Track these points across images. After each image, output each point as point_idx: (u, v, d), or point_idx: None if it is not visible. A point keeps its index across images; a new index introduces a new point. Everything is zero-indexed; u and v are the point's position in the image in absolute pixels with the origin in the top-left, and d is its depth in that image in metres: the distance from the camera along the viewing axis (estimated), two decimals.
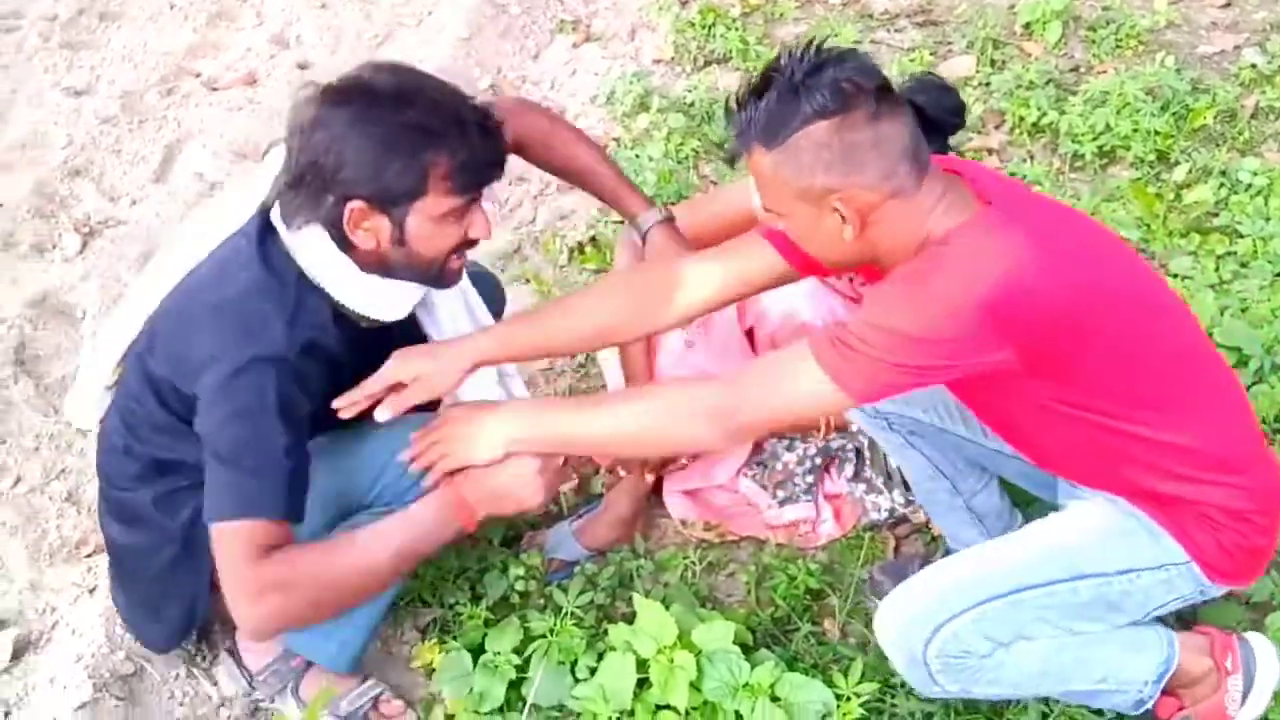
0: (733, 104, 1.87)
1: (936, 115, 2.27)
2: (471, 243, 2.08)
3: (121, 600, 2.38)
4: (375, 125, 1.91)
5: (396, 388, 2.12)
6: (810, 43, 1.80)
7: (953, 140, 3.29)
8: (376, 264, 2.05)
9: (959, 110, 2.31)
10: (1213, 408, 1.97)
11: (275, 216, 2.06)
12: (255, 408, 1.94)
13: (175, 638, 2.36)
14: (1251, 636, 2.23)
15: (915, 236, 1.83)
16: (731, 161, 2.00)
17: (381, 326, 2.16)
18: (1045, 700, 2.30)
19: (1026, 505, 2.49)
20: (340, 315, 2.09)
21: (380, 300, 2.10)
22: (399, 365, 2.13)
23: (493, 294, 2.57)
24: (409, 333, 2.24)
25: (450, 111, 1.96)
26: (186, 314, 2.05)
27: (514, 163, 3.78)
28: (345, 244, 2.03)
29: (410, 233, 2.00)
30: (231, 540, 1.91)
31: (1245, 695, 2.18)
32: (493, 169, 2.03)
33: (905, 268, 1.82)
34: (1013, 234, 1.77)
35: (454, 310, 2.33)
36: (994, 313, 1.73)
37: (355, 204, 1.95)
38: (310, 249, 2.04)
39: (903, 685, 2.34)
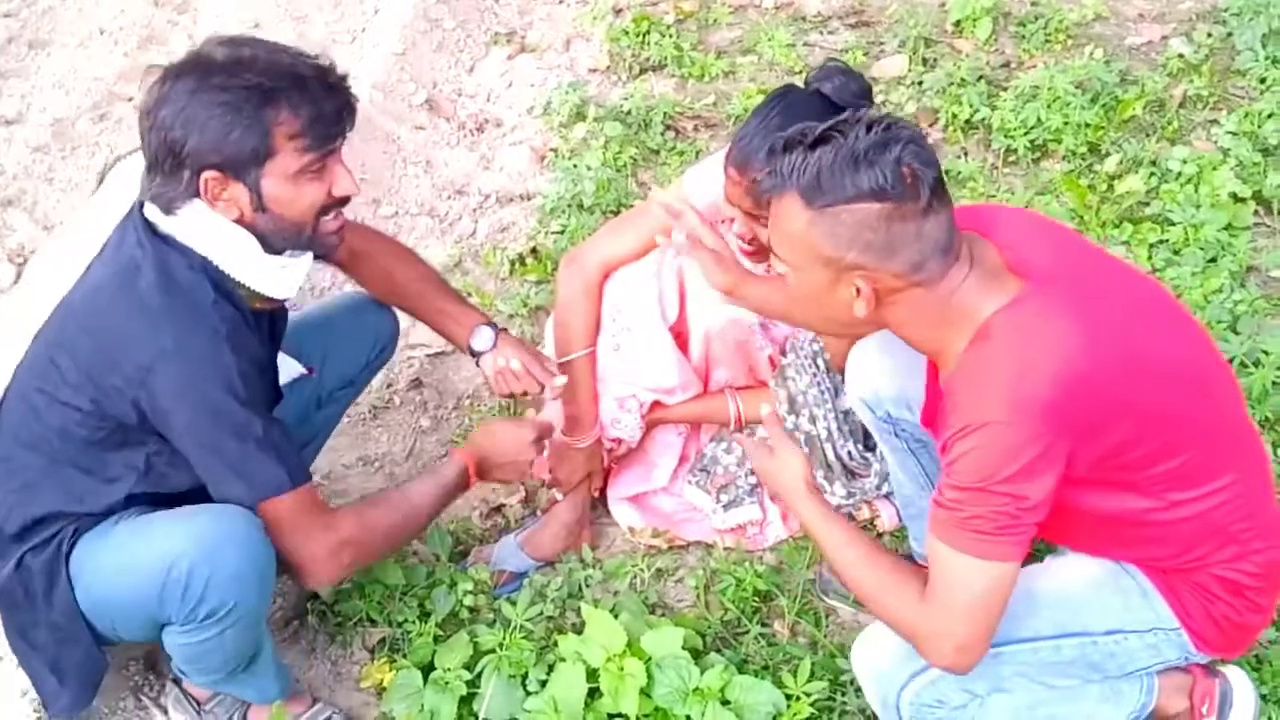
0: (779, 145, 1.82)
1: (843, 100, 2.29)
2: (340, 201, 2.07)
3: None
4: (213, 92, 1.92)
5: None
6: (885, 117, 1.76)
7: None
8: (249, 233, 2.03)
9: (865, 93, 2.34)
10: (1234, 478, 1.90)
11: (150, 212, 2.04)
12: (227, 392, 1.98)
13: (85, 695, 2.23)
14: (1230, 671, 2.21)
15: (934, 318, 1.80)
16: (757, 200, 2.00)
17: (264, 312, 2.17)
18: None
19: None
20: (229, 296, 2.06)
21: (272, 274, 2.08)
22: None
23: (386, 329, 2.66)
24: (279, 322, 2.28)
25: (288, 69, 1.97)
26: (105, 329, 2.01)
27: (452, 173, 3.82)
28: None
29: (268, 196, 1.99)
30: (279, 514, 2.07)
31: None
32: (338, 120, 2.02)
33: (962, 403, 1.75)
34: (1058, 318, 1.74)
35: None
36: (1058, 410, 1.71)
37: (209, 174, 1.95)
38: (199, 229, 2.01)
39: (852, 683, 2.36)
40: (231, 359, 1.98)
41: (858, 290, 1.78)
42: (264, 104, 1.93)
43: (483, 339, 2.51)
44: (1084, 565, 2.03)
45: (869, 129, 1.73)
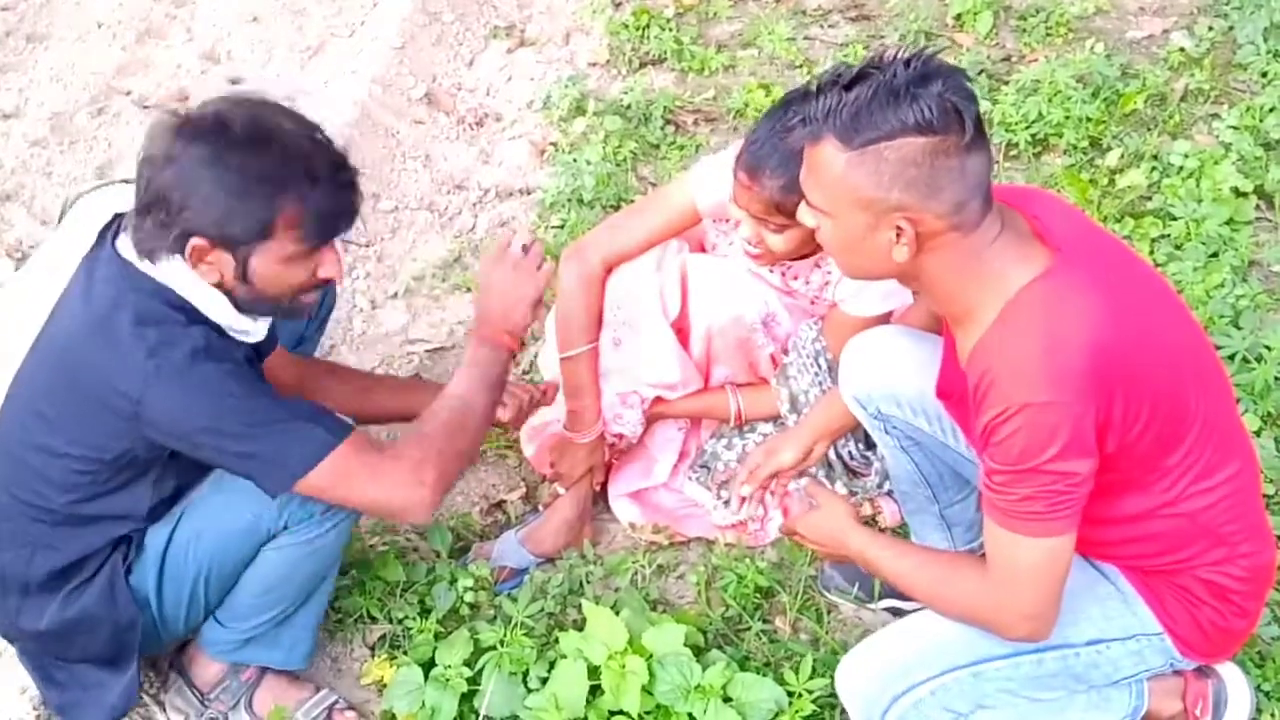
0: (813, 87, 1.76)
1: None
2: (323, 282, 2.07)
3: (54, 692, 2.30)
4: (225, 169, 1.90)
5: None
6: (922, 50, 1.71)
7: None
8: (225, 294, 2.02)
9: None
10: (1227, 477, 1.90)
11: (126, 248, 2.01)
12: (224, 395, 1.96)
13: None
14: (1224, 669, 2.19)
15: (968, 272, 1.77)
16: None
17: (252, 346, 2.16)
18: None
19: None
20: (206, 324, 2.04)
21: (242, 323, 2.07)
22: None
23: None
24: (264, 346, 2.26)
25: (304, 159, 1.95)
26: (86, 370, 1.99)
27: (452, 168, 3.81)
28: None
29: (254, 271, 1.97)
30: (341, 469, 2.01)
31: None
32: (341, 220, 2.02)
33: (998, 385, 1.74)
34: (1086, 291, 1.73)
35: None
36: (1091, 378, 1.71)
37: (198, 241, 1.92)
38: (174, 278, 1.99)
39: None
40: (214, 366, 1.96)
41: (898, 232, 1.73)
42: (275, 193, 1.92)
43: None
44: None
45: (908, 65, 1.68)
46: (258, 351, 2.22)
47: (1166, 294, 1.94)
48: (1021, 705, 2.01)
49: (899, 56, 1.70)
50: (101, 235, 2.08)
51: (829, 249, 1.87)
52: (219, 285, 2.00)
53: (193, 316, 2.00)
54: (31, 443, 2.08)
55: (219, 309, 2.02)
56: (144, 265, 1.99)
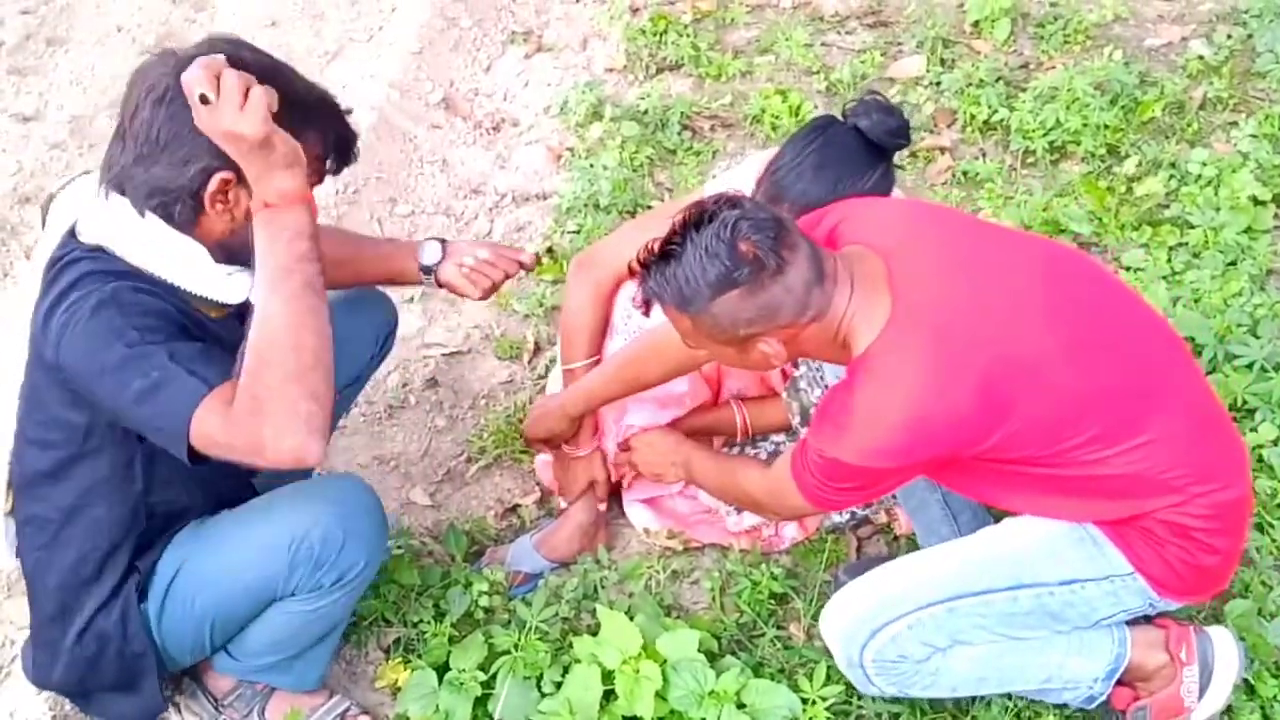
0: (636, 266, 1.96)
1: (879, 138, 2.28)
2: None
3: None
4: None
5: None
6: (702, 210, 1.88)
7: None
8: (217, 243, 1.96)
9: (901, 132, 2.31)
10: (1154, 429, 1.96)
11: (90, 232, 1.96)
12: (118, 340, 1.87)
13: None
14: (1213, 630, 2.24)
15: (836, 336, 1.94)
16: (646, 306, 2.14)
17: (232, 317, 2.06)
18: (1009, 696, 2.31)
19: None
20: (175, 305, 1.98)
21: (214, 280, 1.99)
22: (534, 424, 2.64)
23: (384, 320, 2.64)
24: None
25: (319, 94, 2.00)
26: (48, 351, 1.95)
27: (469, 172, 3.82)
28: (188, 225, 1.94)
29: None
30: (210, 418, 1.82)
31: (1204, 688, 2.19)
32: (351, 151, 2.05)
33: (823, 431, 1.97)
34: (918, 353, 1.88)
35: None
36: (914, 432, 1.88)
37: (224, 174, 1.88)
38: (148, 241, 1.93)
39: None
40: (120, 318, 1.87)
41: (766, 348, 1.93)
42: (303, 123, 1.90)
43: (431, 251, 2.47)
44: (1038, 522, 2.09)
45: (698, 227, 1.86)
46: (240, 316, 2.03)
47: (1056, 276, 2.01)
48: (1002, 644, 2.11)
49: (689, 220, 1.88)
50: (66, 230, 2.03)
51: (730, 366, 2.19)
52: (221, 233, 1.94)
53: (162, 300, 1.94)
54: (32, 437, 2.10)
55: (196, 271, 1.96)
56: (109, 241, 1.93)
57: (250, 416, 1.81)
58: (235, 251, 1.97)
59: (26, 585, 2.24)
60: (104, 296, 1.89)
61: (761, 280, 1.85)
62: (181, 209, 1.91)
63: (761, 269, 1.85)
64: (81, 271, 1.93)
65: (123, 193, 1.92)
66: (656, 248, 1.92)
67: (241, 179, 1.89)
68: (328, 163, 2.01)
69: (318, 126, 1.96)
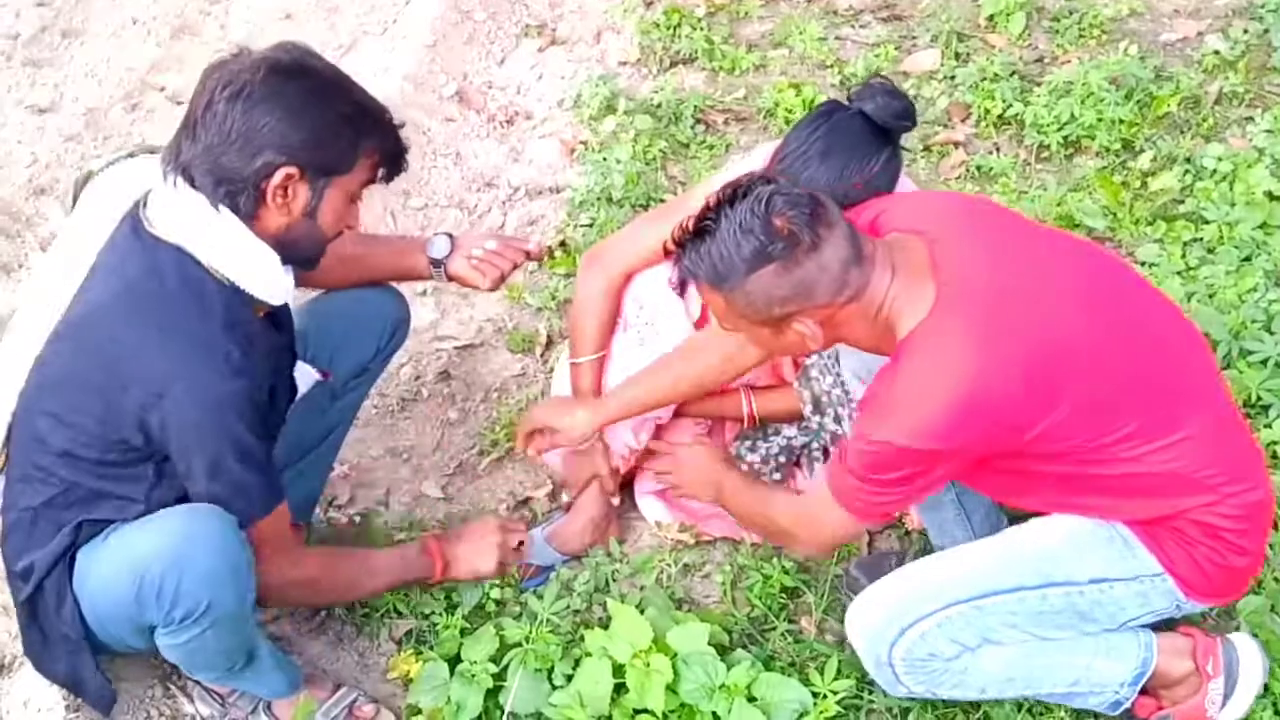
0: (671, 244, 1.95)
1: (885, 121, 2.27)
2: (348, 228, 2.14)
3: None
4: (319, 100, 1.97)
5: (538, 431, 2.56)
6: (741, 183, 1.88)
7: (918, 135, 3.30)
8: (273, 239, 2.02)
9: (906, 114, 2.30)
10: (1190, 426, 1.95)
11: (155, 220, 2.01)
12: (236, 422, 2.01)
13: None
14: (1236, 638, 2.23)
15: (877, 320, 1.93)
16: (681, 286, 2.24)
17: (269, 321, 2.16)
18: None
19: None
20: (240, 310, 2.05)
21: (274, 283, 2.08)
22: (549, 412, 2.57)
23: (394, 312, 2.62)
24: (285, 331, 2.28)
25: (379, 104, 2.08)
26: (113, 349, 1.99)
27: (482, 166, 3.82)
28: (249, 219, 2.00)
29: (323, 207, 2.03)
30: (274, 530, 2.14)
31: (1227, 697, 2.17)
32: (404, 161, 2.12)
33: (870, 416, 1.94)
34: (966, 335, 1.87)
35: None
36: (952, 433, 1.86)
37: (289, 169, 1.95)
38: (224, 244, 1.99)
39: None
40: (243, 384, 1.99)
41: (802, 328, 1.91)
42: (370, 127, 2.02)
43: (439, 245, 2.52)
44: (1066, 520, 2.08)
45: (732, 203, 1.86)
46: (275, 322, 2.19)
47: (1091, 274, 2.01)
48: (1031, 644, 2.10)
49: (724, 197, 1.88)
50: (129, 214, 2.07)
51: (764, 352, 2.17)
52: (276, 229, 2.01)
53: (230, 301, 2.01)
54: (47, 410, 2.07)
55: (263, 269, 2.03)
56: (177, 233, 1.99)
57: (305, 587, 2.30)
58: (286, 248, 2.05)
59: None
60: (229, 352, 1.98)
61: (796, 256, 1.84)
62: (245, 200, 1.98)
63: (797, 244, 1.84)
64: (180, 289, 2.00)
65: (191, 182, 1.97)
66: (691, 225, 1.91)
67: (304, 174, 1.97)
68: (380, 171, 2.08)
69: (376, 137, 2.04)
